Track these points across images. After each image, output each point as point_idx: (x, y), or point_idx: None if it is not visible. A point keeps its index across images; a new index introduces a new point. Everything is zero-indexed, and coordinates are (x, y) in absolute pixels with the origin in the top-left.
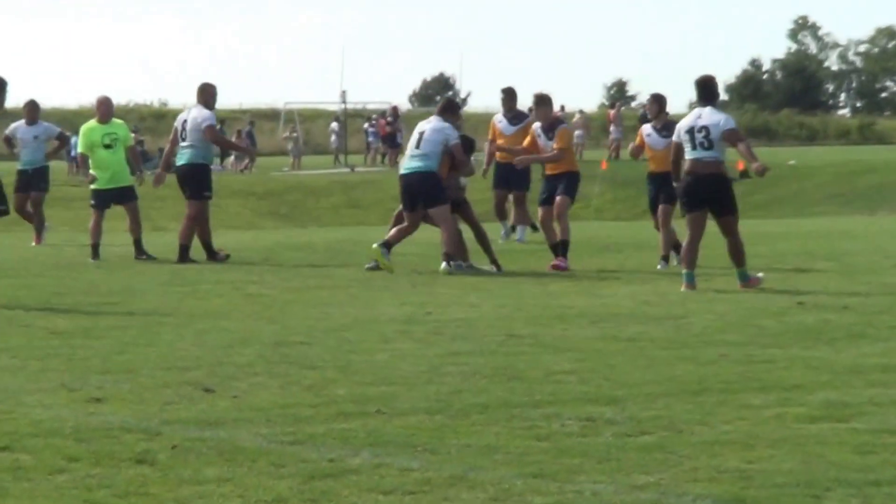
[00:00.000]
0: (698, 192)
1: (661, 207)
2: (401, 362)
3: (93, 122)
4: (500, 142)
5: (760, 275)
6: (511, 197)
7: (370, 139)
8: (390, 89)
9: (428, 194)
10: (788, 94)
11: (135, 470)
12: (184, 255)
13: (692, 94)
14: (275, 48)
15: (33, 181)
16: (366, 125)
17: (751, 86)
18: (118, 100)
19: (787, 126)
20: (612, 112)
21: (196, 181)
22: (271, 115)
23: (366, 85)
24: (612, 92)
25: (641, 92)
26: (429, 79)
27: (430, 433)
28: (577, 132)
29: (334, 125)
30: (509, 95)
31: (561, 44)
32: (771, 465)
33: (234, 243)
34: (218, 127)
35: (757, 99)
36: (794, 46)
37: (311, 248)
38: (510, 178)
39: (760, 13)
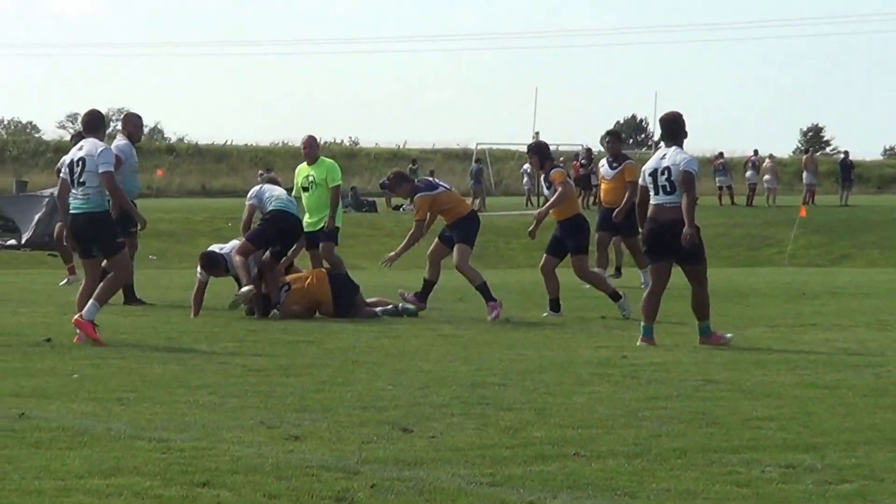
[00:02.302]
0: (662, 241)
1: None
2: (598, 405)
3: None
4: (602, 186)
5: (729, 335)
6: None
7: None
8: (583, 131)
9: None
10: None
11: None
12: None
13: (887, 142)
14: (468, 88)
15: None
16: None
17: None
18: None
19: None
20: (805, 157)
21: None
22: (462, 156)
23: (558, 126)
24: (808, 137)
25: (836, 137)
26: (622, 120)
27: (629, 477)
28: (766, 177)
29: (526, 167)
30: (615, 139)
31: (756, 87)
32: None
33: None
34: (411, 168)
35: None
36: None
37: (504, 289)
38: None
39: None
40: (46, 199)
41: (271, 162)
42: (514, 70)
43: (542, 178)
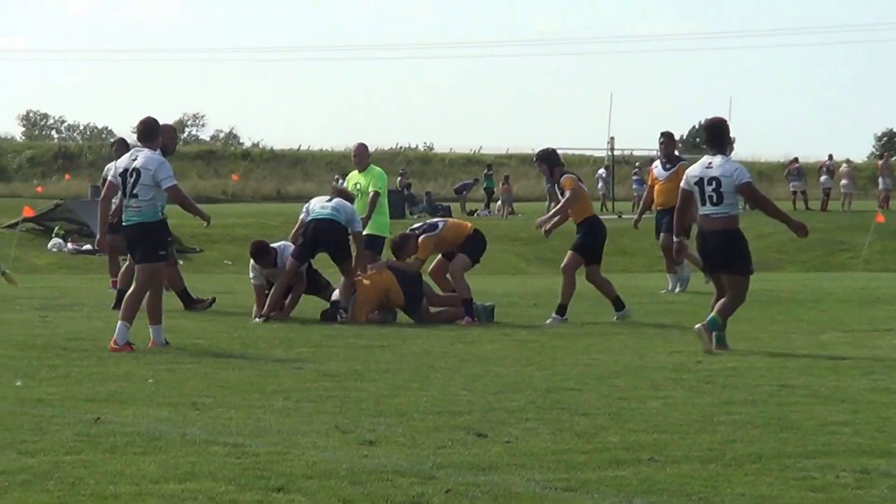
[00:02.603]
0: (711, 251)
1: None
2: (672, 410)
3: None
4: (656, 187)
5: (731, 346)
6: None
7: (636, 186)
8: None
9: None
10: None
11: None
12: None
13: None
14: (543, 92)
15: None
16: (634, 173)
17: None
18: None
19: None
20: (880, 163)
21: None
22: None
23: (633, 131)
24: (882, 142)
25: None
26: (696, 125)
27: (704, 482)
28: (843, 181)
29: (602, 172)
30: (669, 140)
31: (831, 92)
32: None
33: (501, 288)
34: (486, 173)
35: None
36: None
37: (578, 294)
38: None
39: None
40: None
41: (346, 167)
42: (590, 75)
43: (553, 184)
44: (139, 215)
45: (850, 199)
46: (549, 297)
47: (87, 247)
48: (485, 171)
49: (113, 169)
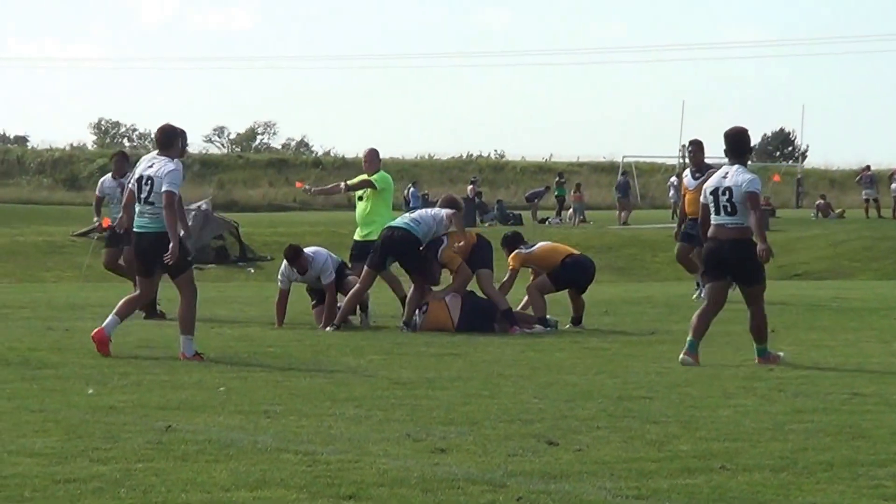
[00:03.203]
0: (720, 260)
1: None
2: (744, 418)
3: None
4: (686, 196)
5: (781, 353)
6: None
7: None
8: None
9: None
10: None
11: None
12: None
13: None
14: (614, 100)
15: (124, 236)
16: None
17: None
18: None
19: None
20: None
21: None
22: (609, 168)
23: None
24: None
25: None
26: (769, 134)
27: (776, 490)
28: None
29: (673, 180)
30: (697, 147)
31: None
32: None
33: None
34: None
35: None
36: None
37: (650, 302)
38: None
39: None
40: (193, 213)
41: (417, 175)
42: (661, 82)
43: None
44: (154, 222)
45: None
46: (620, 304)
47: None
48: (556, 179)
49: (130, 176)
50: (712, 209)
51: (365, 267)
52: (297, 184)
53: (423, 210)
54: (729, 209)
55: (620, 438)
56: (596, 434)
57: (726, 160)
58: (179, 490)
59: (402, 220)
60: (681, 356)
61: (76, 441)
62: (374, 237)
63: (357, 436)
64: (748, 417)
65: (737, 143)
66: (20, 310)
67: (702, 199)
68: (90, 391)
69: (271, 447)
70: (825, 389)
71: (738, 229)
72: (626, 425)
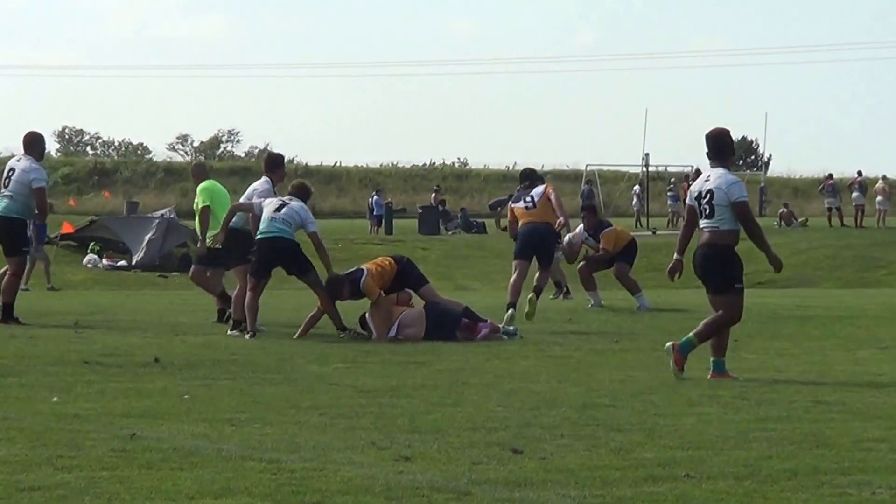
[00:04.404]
0: (694, 266)
1: None
2: (707, 427)
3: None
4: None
5: (736, 377)
6: None
7: (670, 202)
8: (692, 152)
9: None
10: None
11: None
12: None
13: None
14: (577, 108)
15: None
16: (668, 189)
17: None
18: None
19: None
20: None
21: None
22: (572, 177)
23: (668, 147)
24: None
25: None
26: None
27: (740, 498)
28: (878, 198)
29: (636, 188)
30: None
31: (867, 107)
32: None
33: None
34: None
35: None
36: None
37: (613, 310)
38: None
39: None
40: (157, 221)
41: (381, 182)
42: (625, 90)
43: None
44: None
45: (884, 214)
46: (584, 312)
47: (122, 263)
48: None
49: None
50: (698, 214)
51: (250, 277)
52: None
53: (286, 208)
54: (707, 211)
55: (584, 446)
56: (560, 442)
57: (690, 167)
58: (144, 498)
59: (274, 224)
60: (709, 376)
61: (40, 449)
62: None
63: (321, 444)
64: (712, 426)
65: (718, 144)
66: None
67: (688, 201)
68: (54, 399)
69: (236, 455)
70: (789, 398)
71: (711, 233)
72: (590, 433)
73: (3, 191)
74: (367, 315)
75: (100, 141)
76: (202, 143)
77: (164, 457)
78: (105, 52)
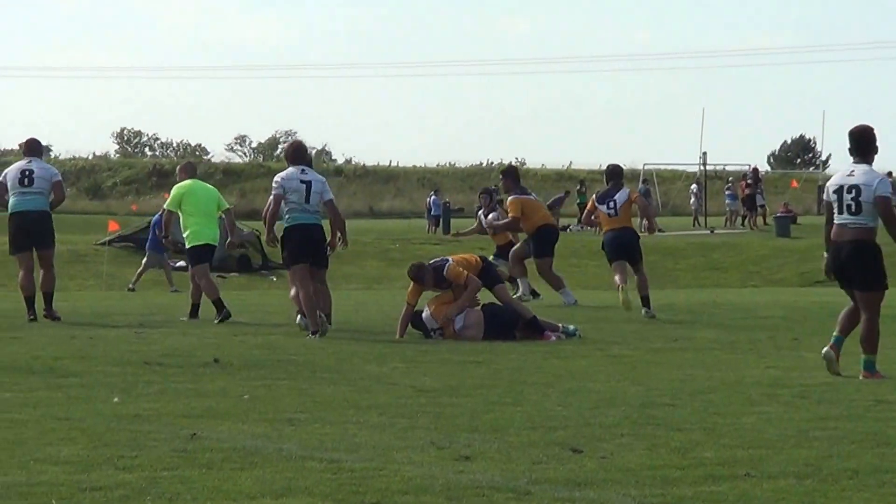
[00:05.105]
0: (839, 264)
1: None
2: (767, 425)
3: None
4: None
5: (884, 376)
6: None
7: (728, 201)
8: (750, 151)
9: None
10: None
11: None
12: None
13: None
14: (635, 108)
15: None
16: (726, 188)
17: None
18: (477, 159)
19: None
20: None
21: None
22: (629, 176)
23: (726, 146)
24: None
25: None
26: (789, 140)
27: (800, 497)
28: None
29: (694, 187)
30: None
31: None
32: None
33: (593, 302)
34: (579, 190)
35: None
36: None
37: (672, 309)
38: None
39: None
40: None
41: (438, 183)
42: (682, 90)
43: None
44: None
45: None
46: (641, 310)
47: (181, 263)
48: (577, 188)
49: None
50: (836, 209)
51: (297, 268)
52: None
53: (309, 197)
54: (853, 208)
55: (644, 446)
56: (620, 441)
57: (747, 166)
58: (205, 498)
59: (310, 217)
60: (824, 349)
61: (102, 449)
62: (191, 242)
63: (381, 443)
64: (772, 424)
65: (862, 140)
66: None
67: (825, 197)
68: (115, 399)
69: (296, 455)
70: (849, 396)
71: (858, 230)
72: (650, 432)
73: (29, 189)
74: (424, 314)
75: (158, 142)
76: (260, 143)
77: (225, 457)
78: (162, 53)
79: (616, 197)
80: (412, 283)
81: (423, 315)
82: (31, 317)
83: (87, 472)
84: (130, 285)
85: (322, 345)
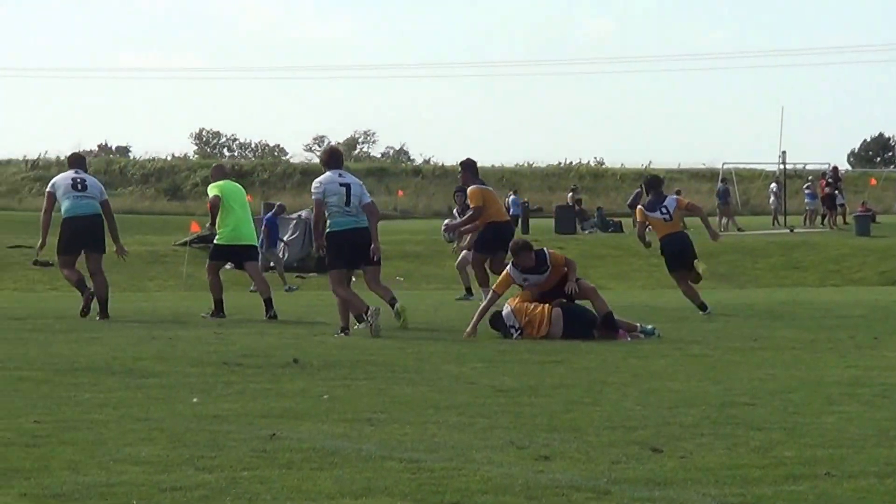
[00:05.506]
0: None
1: None
2: (848, 425)
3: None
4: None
5: None
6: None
7: (807, 200)
8: (830, 150)
9: None
10: None
11: None
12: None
13: None
14: (714, 107)
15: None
16: (806, 187)
17: None
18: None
19: None
20: None
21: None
22: (708, 175)
23: (805, 145)
24: None
25: None
26: (868, 139)
27: (882, 497)
28: None
29: (773, 186)
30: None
31: None
32: None
33: (669, 303)
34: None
35: None
36: None
37: (751, 308)
38: None
39: None
40: (295, 222)
41: (517, 183)
42: (761, 88)
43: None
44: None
45: None
46: (721, 311)
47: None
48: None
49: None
50: None
51: (339, 272)
52: (399, 193)
53: (350, 199)
54: None
55: (724, 445)
56: (699, 441)
57: (827, 164)
58: (285, 498)
59: (352, 220)
60: None
61: (181, 449)
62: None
63: (460, 443)
64: (853, 424)
65: None
66: (124, 318)
67: None
68: (195, 400)
69: (375, 455)
70: None
71: None
72: (730, 432)
73: (83, 193)
74: (504, 311)
75: (236, 143)
76: (338, 143)
77: (305, 457)
78: (240, 54)
79: (666, 203)
80: (506, 268)
81: (504, 312)
82: (89, 291)
83: (167, 473)
84: (286, 287)
85: (401, 345)
